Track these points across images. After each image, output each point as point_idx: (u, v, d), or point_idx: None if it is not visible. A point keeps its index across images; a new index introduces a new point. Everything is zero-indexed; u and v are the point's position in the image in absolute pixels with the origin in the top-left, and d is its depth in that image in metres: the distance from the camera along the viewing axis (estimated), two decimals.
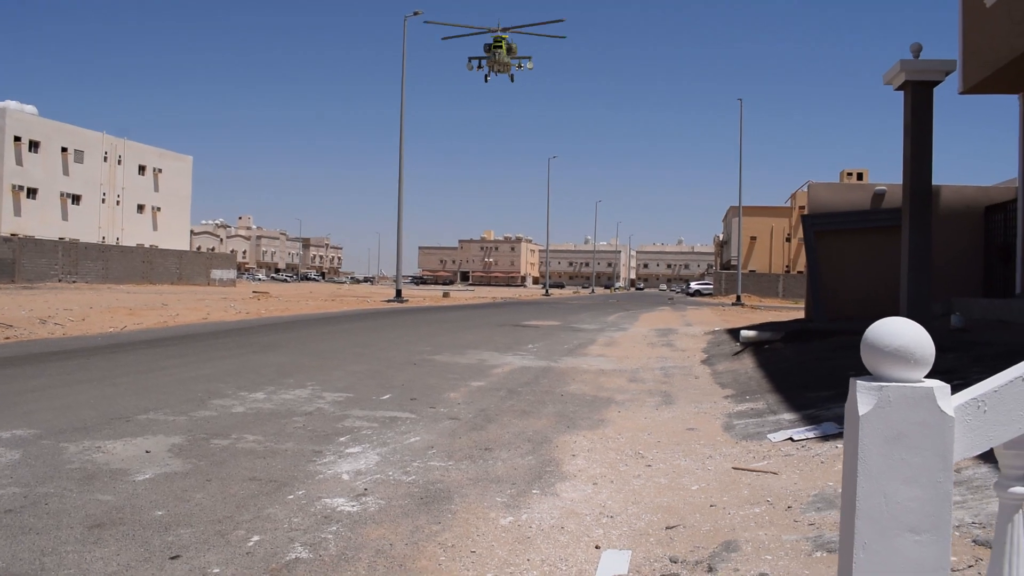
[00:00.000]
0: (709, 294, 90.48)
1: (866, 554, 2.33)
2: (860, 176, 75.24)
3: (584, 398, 10.94)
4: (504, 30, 47.29)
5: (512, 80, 49.88)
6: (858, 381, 2.41)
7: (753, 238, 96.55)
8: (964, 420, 2.37)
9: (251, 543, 4.85)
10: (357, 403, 9.93)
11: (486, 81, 49.65)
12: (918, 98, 12.20)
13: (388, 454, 7.28)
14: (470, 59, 48.40)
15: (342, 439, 7.85)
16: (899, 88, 12.60)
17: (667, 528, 5.29)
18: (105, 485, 6.00)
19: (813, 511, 5.36)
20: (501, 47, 46.82)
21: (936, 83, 12.32)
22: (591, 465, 7.09)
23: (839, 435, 7.44)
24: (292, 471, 6.57)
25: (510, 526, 5.32)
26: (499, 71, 48.45)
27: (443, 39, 49.78)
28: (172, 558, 4.58)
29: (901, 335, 2.36)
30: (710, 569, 4.48)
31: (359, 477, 6.45)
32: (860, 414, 2.34)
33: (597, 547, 4.94)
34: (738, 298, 58.49)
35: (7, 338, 16.64)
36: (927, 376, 2.42)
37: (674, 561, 4.68)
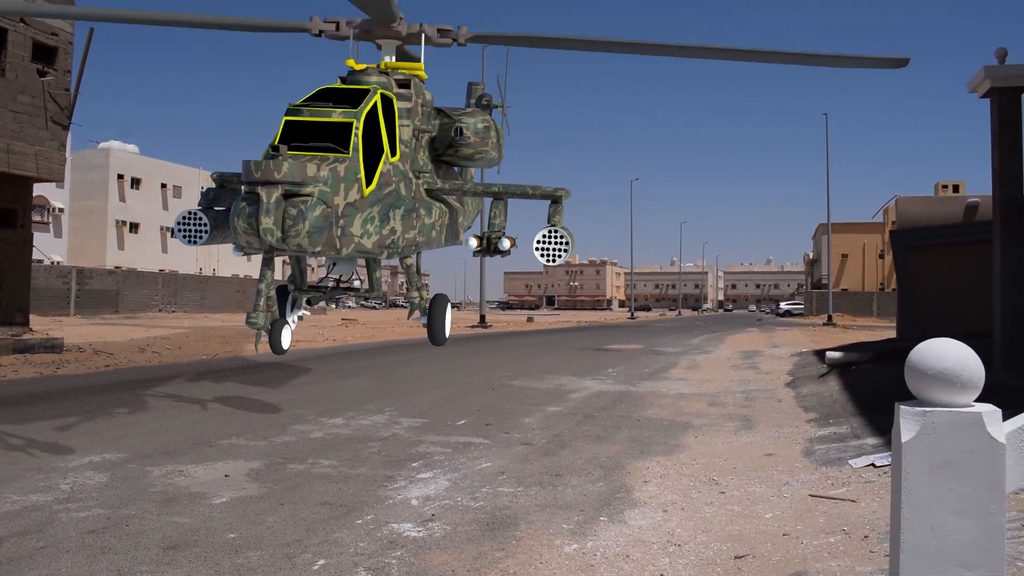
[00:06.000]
0: (800, 314, 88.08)
1: None
2: (956, 188, 72.30)
3: (661, 423, 10.78)
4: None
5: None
6: (902, 406, 2.32)
7: (844, 255, 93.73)
8: (1018, 447, 2.25)
9: (316, 567, 4.93)
10: (433, 428, 10.01)
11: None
12: (1005, 105, 11.71)
13: (458, 479, 7.31)
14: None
15: (415, 464, 7.92)
16: (984, 95, 12.11)
17: (736, 558, 5.15)
18: (184, 508, 6.19)
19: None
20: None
21: None
22: (662, 492, 6.98)
23: None
24: (363, 496, 6.66)
25: (574, 553, 5.27)
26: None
27: None
28: None
29: (945, 357, 2.26)
30: None
31: (428, 503, 6.49)
32: (903, 441, 2.25)
33: None
34: (829, 318, 56.84)
35: (107, 366, 17.38)
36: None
37: None
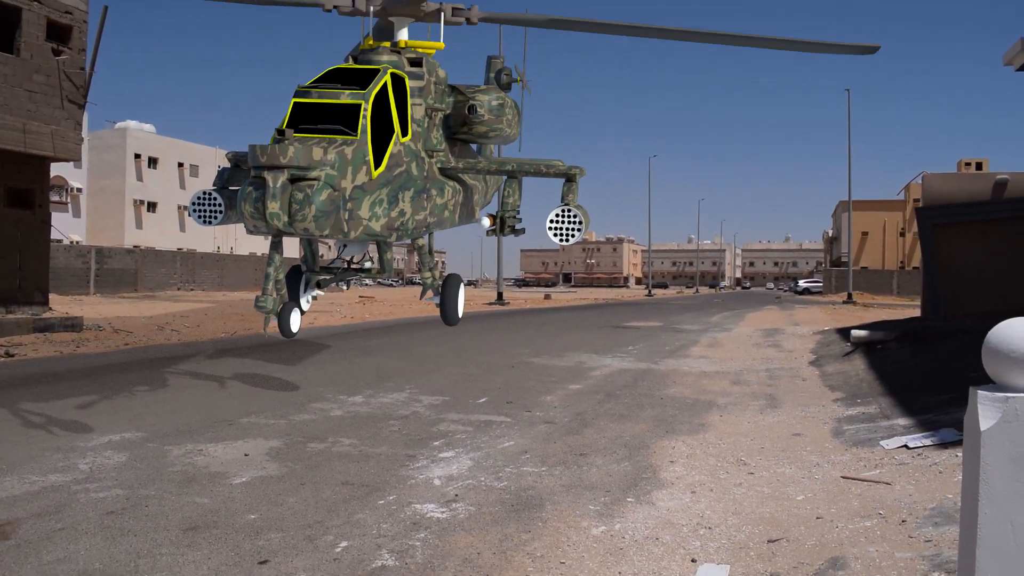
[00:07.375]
0: (819, 292, 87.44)
1: None
2: (979, 166, 71.33)
3: (684, 401, 10.62)
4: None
5: None
6: (979, 391, 2.13)
7: (864, 233, 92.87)
8: None
9: (339, 549, 4.81)
10: (453, 406, 9.89)
11: None
12: None
13: (481, 459, 7.18)
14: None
15: (436, 443, 7.80)
16: (1021, 68, 11.78)
17: (769, 542, 4.99)
18: (203, 488, 6.09)
19: (930, 526, 4.97)
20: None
21: None
22: (690, 472, 6.82)
23: (960, 442, 6.94)
24: (385, 475, 6.55)
25: (602, 536, 5.13)
26: None
27: None
28: (261, 563, 4.58)
29: None
30: None
31: (450, 482, 6.37)
32: (982, 429, 2.07)
33: (693, 560, 4.70)
34: (849, 296, 56.32)
35: (126, 344, 17.37)
36: None
37: None
